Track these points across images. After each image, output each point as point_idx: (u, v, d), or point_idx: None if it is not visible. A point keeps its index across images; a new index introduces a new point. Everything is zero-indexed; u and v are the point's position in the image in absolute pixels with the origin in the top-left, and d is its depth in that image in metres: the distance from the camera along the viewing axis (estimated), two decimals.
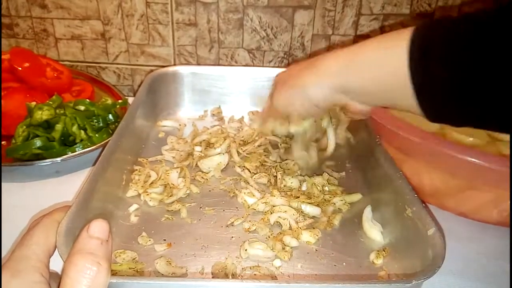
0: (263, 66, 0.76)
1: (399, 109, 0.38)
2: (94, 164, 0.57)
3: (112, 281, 0.29)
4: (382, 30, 0.72)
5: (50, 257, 0.31)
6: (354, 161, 0.58)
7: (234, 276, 0.40)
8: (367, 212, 0.47)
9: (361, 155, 0.57)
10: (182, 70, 0.68)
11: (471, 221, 0.50)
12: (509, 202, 0.45)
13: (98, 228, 0.29)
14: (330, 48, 0.74)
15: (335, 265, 0.42)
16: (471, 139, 0.51)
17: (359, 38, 0.73)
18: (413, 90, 0.34)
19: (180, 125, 0.66)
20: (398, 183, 0.44)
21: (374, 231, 0.45)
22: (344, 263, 0.42)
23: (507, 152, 0.49)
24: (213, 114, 0.69)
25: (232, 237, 0.45)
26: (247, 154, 0.58)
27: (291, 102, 0.45)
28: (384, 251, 0.43)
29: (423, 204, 0.41)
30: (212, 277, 0.40)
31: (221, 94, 0.69)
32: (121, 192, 0.50)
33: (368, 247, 0.44)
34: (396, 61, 0.34)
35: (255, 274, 0.40)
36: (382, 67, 0.36)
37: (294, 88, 0.44)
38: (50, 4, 0.71)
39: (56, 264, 0.31)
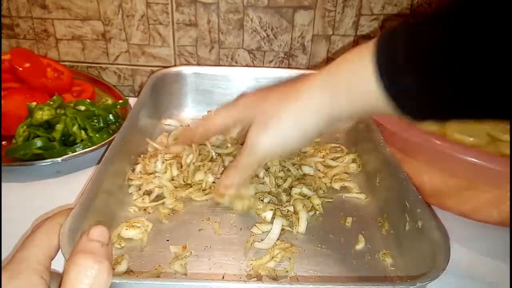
0: (263, 67, 0.76)
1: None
2: (95, 164, 0.57)
3: (114, 281, 0.29)
4: (382, 30, 0.73)
5: (51, 259, 0.31)
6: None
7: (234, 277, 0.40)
8: None
9: (364, 154, 0.57)
10: (185, 70, 0.68)
11: (471, 221, 0.50)
12: (509, 202, 0.45)
13: (98, 232, 0.30)
14: (330, 48, 0.75)
15: (338, 266, 0.42)
16: (471, 139, 0.50)
17: (359, 38, 0.73)
18: (392, 104, 0.33)
19: (181, 125, 0.66)
20: (402, 184, 0.44)
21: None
22: (348, 264, 0.42)
23: (507, 152, 0.49)
24: None
25: (235, 238, 0.45)
26: None
27: (282, 143, 0.41)
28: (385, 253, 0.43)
29: (428, 205, 0.41)
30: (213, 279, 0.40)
31: (224, 95, 0.69)
32: (123, 192, 0.50)
33: (372, 250, 0.44)
34: (367, 82, 0.34)
35: (256, 276, 0.40)
36: (358, 91, 0.35)
37: (280, 126, 0.40)
38: (50, 4, 0.71)
39: (58, 264, 0.31)
